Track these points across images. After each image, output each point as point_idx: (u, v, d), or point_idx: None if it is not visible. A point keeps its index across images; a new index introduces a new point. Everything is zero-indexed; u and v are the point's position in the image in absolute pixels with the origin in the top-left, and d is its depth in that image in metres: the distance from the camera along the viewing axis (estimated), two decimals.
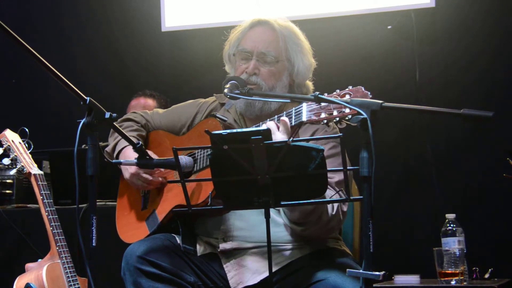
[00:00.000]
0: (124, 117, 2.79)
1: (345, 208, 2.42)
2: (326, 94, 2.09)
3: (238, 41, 2.62)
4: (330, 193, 2.33)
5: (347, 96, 2.04)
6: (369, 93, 2.03)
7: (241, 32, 2.63)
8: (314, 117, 2.11)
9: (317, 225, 2.34)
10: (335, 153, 2.44)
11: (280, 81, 2.56)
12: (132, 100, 4.38)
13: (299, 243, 2.45)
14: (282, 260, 2.42)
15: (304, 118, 2.14)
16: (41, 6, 4.87)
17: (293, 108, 2.23)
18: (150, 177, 2.54)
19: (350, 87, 2.07)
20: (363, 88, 2.05)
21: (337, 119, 2.07)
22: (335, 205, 2.36)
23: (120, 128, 2.67)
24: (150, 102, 4.35)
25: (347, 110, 2.02)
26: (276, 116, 2.30)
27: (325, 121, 2.09)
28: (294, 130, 2.14)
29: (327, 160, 2.40)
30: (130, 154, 2.53)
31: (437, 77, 4.06)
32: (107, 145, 2.72)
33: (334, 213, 2.36)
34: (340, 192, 2.34)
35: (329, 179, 2.37)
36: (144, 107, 4.23)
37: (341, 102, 2.01)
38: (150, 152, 2.46)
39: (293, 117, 2.21)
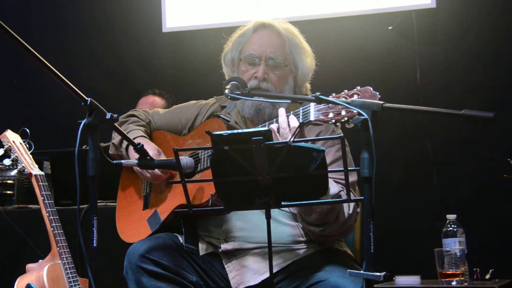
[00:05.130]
0: (129, 112, 2.80)
1: (359, 209, 2.43)
2: (334, 94, 2.09)
3: (241, 45, 2.60)
4: (338, 189, 2.33)
5: (355, 96, 2.04)
6: (377, 93, 2.03)
7: (243, 35, 2.62)
8: (322, 117, 2.11)
9: (336, 224, 2.35)
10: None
11: (287, 84, 2.57)
12: (141, 98, 4.39)
13: (301, 243, 2.46)
14: (283, 260, 2.42)
15: (312, 118, 2.15)
16: (43, 8, 4.87)
17: (300, 108, 2.23)
18: (156, 171, 2.54)
19: (359, 87, 2.07)
20: (371, 88, 2.05)
21: (346, 118, 2.07)
22: (351, 204, 2.37)
23: (126, 123, 2.70)
24: (158, 100, 4.35)
25: (356, 110, 2.01)
26: (275, 119, 2.30)
27: (333, 120, 2.09)
28: (297, 129, 2.14)
29: (335, 163, 2.42)
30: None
31: (438, 78, 4.06)
32: (107, 146, 2.72)
33: (351, 212, 2.37)
34: (344, 192, 2.35)
35: (342, 181, 2.37)
36: (151, 105, 4.24)
37: (342, 103, 2.01)
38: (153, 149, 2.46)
39: (301, 117, 2.22)
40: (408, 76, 4.10)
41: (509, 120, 3.67)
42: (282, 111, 2.27)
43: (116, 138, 2.69)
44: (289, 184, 2.01)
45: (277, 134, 2.23)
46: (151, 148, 2.54)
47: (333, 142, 2.47)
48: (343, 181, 2.37)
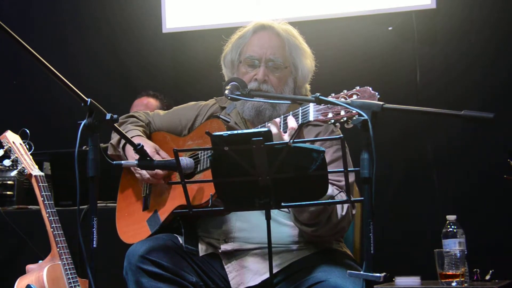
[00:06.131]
0: (129, 114, 2.80)
1: (354, 211, 2.43)
2: (333, 94, 2.09)
3: (241, 47, 2.60)
4: (335, 192, 2.33)
5: (355, 97, 2.04)
6: (377, 93, 2.03)
7: (243, 37, 2.61)
8: (321, 117, 2.11)
9: (328, 225, 2.34)
10: (340, 156, 2.44)
11: (286, 86, 2.57)
12: (135, 100, 4.40)
13: (300, 244, 2.46)
14: (283, 261, 2.42)
15: (311, 118, 2.14)
16: (43, 8, 4.87)
17: (300, 108, 2.22)
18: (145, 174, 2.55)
19: (358, 88, 2.06)
20: (370, 88, 2.04)
21: (345, 119, 2.06)
22: (345, 206, 2.37)
23: (125, 124, 2.71)
24: (152, 101, 4.36)
25: (355, 110, 2.01)
26: (282, 116, 2.30)
27: (333, 121, 2.09)
28: (297, 130, 2.14)
29: (333, 164, 2.42)
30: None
31: (438, 78, 4.07)
32: (107, 147, 2.72)
33: (344, 214, 2.36)
34: (341, 194, 2.36)
35: (337, 183, 2.38)
36: (146, 106, 4.25)
37: (342, 103, 2.01)
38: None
39: (300, 117, 2.21)
40: (408, 77, 4.10)
41: (509, 121, 3.68)
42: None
43: (114, 138, 2.69)
44: (289, 184, 2.01)
45: (281, 131, 2.22)
46: (148, 146, 2.54)
47: (332, 142, 2.47)
48: (339, 183, 2.38)
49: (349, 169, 2.02)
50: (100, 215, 2.11)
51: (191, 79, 4.57)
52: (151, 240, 2.42)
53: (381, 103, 1.96)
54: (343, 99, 2.05)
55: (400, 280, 3.03)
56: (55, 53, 4.55)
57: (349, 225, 2.45)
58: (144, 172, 2.55)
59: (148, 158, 2.40)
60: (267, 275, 2.36)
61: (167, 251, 2.39)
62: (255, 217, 2.41)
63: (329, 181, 2.31)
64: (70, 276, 2.78)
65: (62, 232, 2.84)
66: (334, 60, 4.02)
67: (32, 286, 2.72)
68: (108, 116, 2.14)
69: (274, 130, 2.19)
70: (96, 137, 2.11)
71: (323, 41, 3.98)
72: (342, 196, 2.36)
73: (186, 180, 2.10)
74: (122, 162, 2.47)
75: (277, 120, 2.27)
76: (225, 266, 2.45)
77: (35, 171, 2.91)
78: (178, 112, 2.78)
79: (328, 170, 2.04)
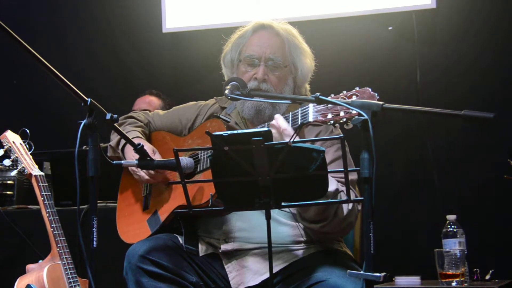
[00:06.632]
0: (127, 115, 2.80)
1: (359, 206, 2.43)
2: (332, 95, 2.08)
3: (240, 46, 2.60)
4: (340, 188, 2.33)
5: (354, 97, 2.04)
6: (376, 94, 2.03)
7: (242, 36, 2.62)
8: (320, 118, 2.11)
9: (335, 220, 2.34)
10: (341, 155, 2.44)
11: (286, 85, 2.57)
12: (138, 98, 4.41)
13: (301, 244, 2.46)
14: (283, 261, 2.42)
15: (310, 119, 2.14)
16: (43, 8, 4.87)
17: (299, 109, 2.22)
18: (143, 175, 2.55)
19: (357, 88, 2.06)
20: (370, 89, 2.04)
21: (344, 119, 2.06)
22: None
23: (124, 125, 2.71)
24: (155, 100, 4.37)
25: (354, 111, 2.01)
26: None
27: (332, 121, 2.08)
28: (297, 130, 2.14)
29: (335, 163, 2.42)
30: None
31: (438, 78, 4.06)
32: (107, 147, 2.72)
33: (350, 208, 2.36)
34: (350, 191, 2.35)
35: (342, 179, 2.37)
36: (148, 104, 4.26)
37: (342, 103, 2.01)
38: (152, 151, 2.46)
39: (299, 118, 2.21)
40: (408, 77, 4.10)
41: (509, 121, 3.68)
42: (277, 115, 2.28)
43: (113, 140, 2.69)
44: (289, 184, 2.01)
45: (286, 129, 2.22)
46: (146, 148, 2.54)
47: (332, 141, 2.47)
48: (343, 179, 2.37)
49: (349, 168, 2.03)
50: (100, 215, 2.11)
51: (191, 79, 4.57)
52: (151, 240, 2.42)
53: (381, 103, 1.96)
54: (342, 100, 2.05)
55: (400, 280, 3.03)
56: (55, 53, 4.54)
57: (356, 219, 2.44)
58: (143, 174, 2.55)
59: (148, 158, 2.40)
60: (267, 275, 2.36)
61: (167, 251, 2.39)
62: (255, 217, 2.41)
63: (334, 178, 2.32)
64: (70, 276, 2.78)
65: (62, 232, 2.83)
66: (334, 60, 4.02)
67: (32, 286, 2.72)
68: (108, 116, 2.14)
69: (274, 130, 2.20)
70: (96, 137, 2.11)
71: (323, 41, 3.97)
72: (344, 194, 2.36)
73: (186, 180, 2.10)
74: (122, 161, 2.47)
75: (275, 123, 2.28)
76: (225, 266, 2.45)
77: (35, 171, 2.91)
78: (178, 112, 2.78)
79: (330, 169, 2.04)
